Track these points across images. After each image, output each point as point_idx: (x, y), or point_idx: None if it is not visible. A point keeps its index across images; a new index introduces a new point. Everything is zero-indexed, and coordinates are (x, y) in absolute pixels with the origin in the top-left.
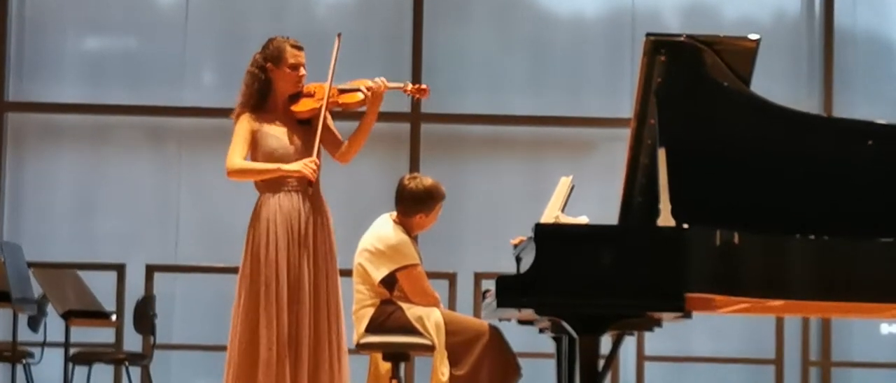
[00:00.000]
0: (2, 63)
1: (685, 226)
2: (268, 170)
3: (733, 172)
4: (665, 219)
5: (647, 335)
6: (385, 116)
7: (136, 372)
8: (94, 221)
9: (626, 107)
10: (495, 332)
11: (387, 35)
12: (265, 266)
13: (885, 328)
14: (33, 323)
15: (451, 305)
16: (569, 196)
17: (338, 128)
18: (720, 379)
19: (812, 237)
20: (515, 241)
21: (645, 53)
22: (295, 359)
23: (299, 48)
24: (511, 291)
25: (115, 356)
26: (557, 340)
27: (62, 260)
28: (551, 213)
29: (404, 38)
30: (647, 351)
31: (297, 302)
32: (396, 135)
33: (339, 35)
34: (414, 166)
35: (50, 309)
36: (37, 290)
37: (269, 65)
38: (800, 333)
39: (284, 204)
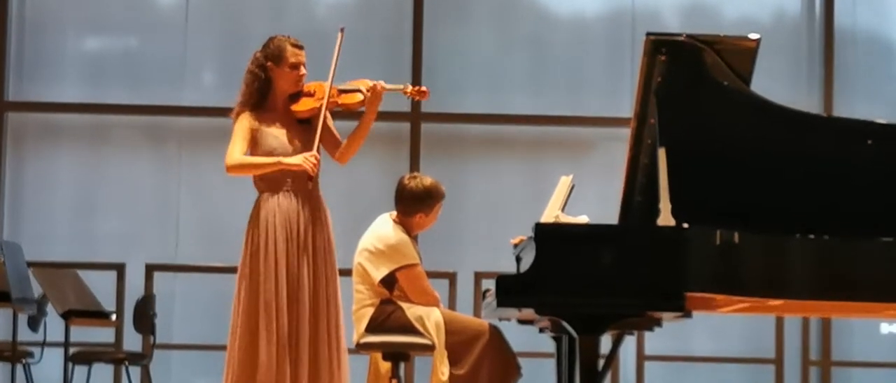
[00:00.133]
0: (2, 63)
1: (685, 225)
2: (267, 164)
3: (733, 172)
4: (665, 218)
5: (647, 334)
6: (385, 116)
7: (135, 371)
8: (94, 221)
9: (626, 107)
10: (495, 332)
11: (387, 35)
12: (264, 266)
13: (885, 327)
14: (33, 323)
15: (451, 305)
16: (569, 195)
17: (337, 127)
18: (720, 379)
19: (812, 237)
20: (515, 241)
21: (645, 53)
22: (295, 360)
23: (300, 47)
24: (511, 291)
25: (114, 356)
26: (557, 340)
27: (62, 259)
28: (551, 213)
29: (404, 38)
30: (648, 351)
31: (296, 302)
32: (396, 135)
33: (341, 30)
34: (414, 166)
35: (50, 308)
36: (37, 290)
37: (269, 64)
38: (800, 333)
39: (283, 204)
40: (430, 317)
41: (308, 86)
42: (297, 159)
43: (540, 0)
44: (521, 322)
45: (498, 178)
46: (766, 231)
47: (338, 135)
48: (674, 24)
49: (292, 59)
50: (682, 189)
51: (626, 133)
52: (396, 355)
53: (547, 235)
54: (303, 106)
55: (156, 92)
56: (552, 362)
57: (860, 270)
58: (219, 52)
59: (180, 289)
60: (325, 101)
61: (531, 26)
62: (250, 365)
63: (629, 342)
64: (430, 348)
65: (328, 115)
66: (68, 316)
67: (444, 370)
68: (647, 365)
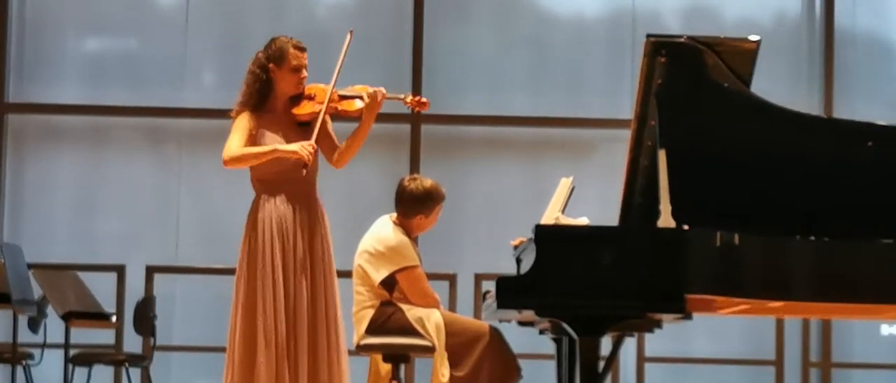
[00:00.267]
0: (2, 64)
1: (685, 227)
2: (264, 153)
3: (734, 173)
4: (665, 220)
5: (648, 336)
6: (385, 117)
7: (136, 373)
8: (94, 222)
9: (626, 109)
10: (495, 333)
11: (387, 35)
12: (261, 268)
13: (886, 329)
14: (33, 325)
15: (452, 306)
16: (569, 197)
17: (335, 128)
18: (720, 381)
19: (812, 238)
20: (516, 242)
21: (645, 54)
22: (294, 362)
23: (302, 49)
24: (511, 292)
25: (115, 357)
26: (558, 341)
27: (62, 261)
28: (551, 214)
29: (405, 39)
30: (648, 353)
31: (293, 304)
32: (396, 137)
33: (350, 31)
34: (414, 167)
35: (50, 310)
36: (37, 292)
37: (271, 65)
38: (800, 334)
39: (280, 206)
40: (431, 319)
41: (309, 88)
42: (294, 147)
43: (540, 1)
44: (522, 323)
45: (498, 180)
46: (767, 232)
47: (336, 140)
48: (674, 25)
49: (294, 62)
50: (683, 190)
51: (627, 134)
52: (396, 357)
53: (547, 237)
54: (303, 109)
55: (156, 93)
56: (552, 364)
57: (860, 271)
58: (219, 53)
59: (180, 291)
60: (324, 106)
61: (531, 27)
62: (250, 367)
63: (629, 343)
64: (430, 350)
65: (327, 119)
66: (68, 317)
67: (445, 371)
68: (648, 366)
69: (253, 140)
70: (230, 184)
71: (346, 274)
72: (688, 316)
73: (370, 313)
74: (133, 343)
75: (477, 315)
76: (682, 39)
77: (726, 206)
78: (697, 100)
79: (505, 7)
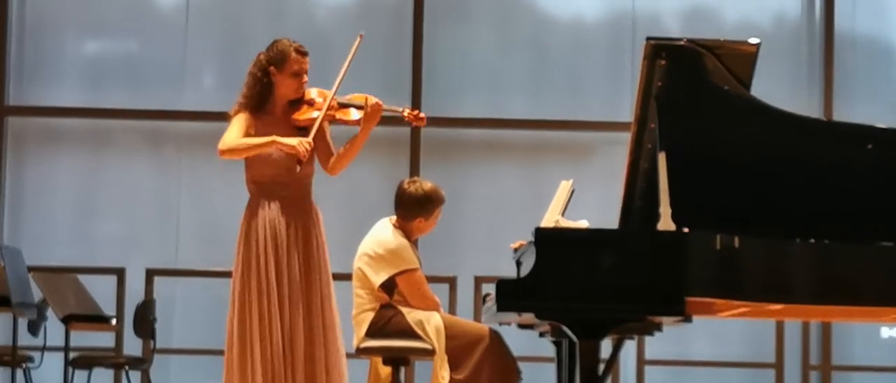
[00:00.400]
0: (2, 67)
1: (686, 230)
2: (261, 144)
3: (734, 176)
4: (665, 223)
5: (648, 339)
6: (385, 120)
7: (136, 376)
8: (94, 225)
9: (626, 111)
10: (495, 336)
11: (387, 38)
12: (256, 272)
13: (886, 332)
14: (33, 328)
15: (452, 309)
16: (569, 200)
17: (332, 133)
18: None
19: (812, 241)
20: (515, 245)
21: (645, 57)
22: (291, 365)
23: (304, 54)
24: (511, 295)
25: (115, 360)
26: (558, 344)
27: (62, 264)
28: (551, 217)
29: (404, 42)
30: (648, 355)
31: (289, 309)
32: (396, 139)
33: (361, 36)
34: (414, 170)
35: (50, 313)
36: (37, 294)
37: (271, 68)
38: (800, 337)
39: (273, 211)
40: (431, 322)
41: (310, 93)
42: (292, 141)
43: (540, 3)
44: (522, 326)
45: (498, 183)
46: (767, 235)
47: (332, 146)
48: (674, 28)
49: (295, 67)
50: (683, 193)
51: (627, 137)
52: (396, 360)
53: (547, 240)
54: (302, 114)
55: (156, 96)
56: (552, 367)
57: (860, 274)
58: (219, 55)
59: (180, 294)
60: (322, 112)
61: (531, 30)
62: (247, 371)
63: (629, 346)
64: (430, 353)
65: (325, 125)
66: (68, 320)
67: (445, 374)
68: (648, 369)
69: None
70: (230, 186)
71: (345, 276)
72: (688, 319)
73: (370, 316)
74: (133, 346)
75: (477, 318)
76: (682, 42)
77: (726, 209)
78: (697, 103)
79: (505, 10)
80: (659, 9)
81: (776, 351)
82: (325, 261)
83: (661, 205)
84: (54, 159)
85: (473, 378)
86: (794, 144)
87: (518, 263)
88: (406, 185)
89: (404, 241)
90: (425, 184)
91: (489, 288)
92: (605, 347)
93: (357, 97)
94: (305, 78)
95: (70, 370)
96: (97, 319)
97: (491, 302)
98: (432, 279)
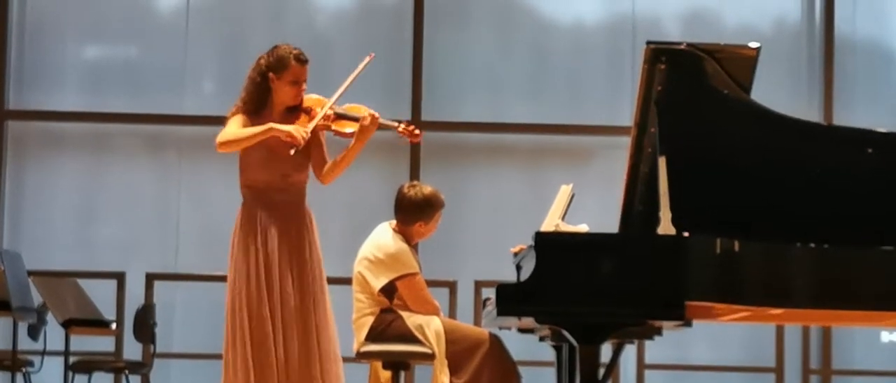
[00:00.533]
0: (2, 71)
1: (686, 234)
2: (258, 133)
3: (734, 180)
4: (665, 227)
5: (648, 343)
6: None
7: (136, 380)
8: (94, 229)
9: (626, 116)
10: (495, 341)
11: (387, 42)
12: (247, 279)
13: (886, 336)
14: (33, 332)
15: (452, 313)
16: (569, 204)
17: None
18: None
19: (812, 245)
20: (515, 250)
21: (645, 61)
22: (284, 369)
23: (304, 62)
24: (511, 300)
25: (115, 364)
26: (558, 349)
27: (62, 268)
28: (551, 222)
29: (405, 46)
30: (648, 359)
31: (283, 312)
32: (396, 144)
33: (371, 55)
34: (414, 174)
35: (50, 317)
36: (37, 299)
37: (270, 74)
38: (800, 341)
39: (265, 218)
40: (431, 326)
41: (308, 101)
42: (289, 128)
43: (540, 8)
44: (522, 330)
45: (498, 187)
46: (767, 239)
47: (326, 155)
48: (674, 32)
49: (294, 76)
50: (683, 197)
51: (627, 141)
52: (396, 364)
53: (547, 244)
54: (300, 123)
55: (156, 100)
56: (552, 371)
57: (861, 279)
58: (219, 60)
59: (180, 298)
60: (316, 121)
61: (531, 34)
62: (246, 373)
63: (629, 350)
64: (430, 357)
65: (321, 133)
66: (68, 324)
67: (445, 379)
68: (648, 373)
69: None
70: (230, 190)
71: (345, 280)
72: (688, 323)
73: (370, 320)
74: (133, 350)
75: (477, 322)
76: (682, 46)
77: (726, 213)
78: (697, 107)
79: (505, 14)
80: (659, 13)
81: (776, 355)
82: (320, 266)
83: (661, 209)
84: (54, 163)
85: (473, 382)
86: (794, 148)
87: (518, 267)
88: (406, 190)
89: (404, 246)
90: (425, 188)
91: (489, 293)
92: (606, 351)
93: (354, 108)
94: (304, 86)
95: (70, 374)
96: (97, 323)
97: (491, 307)
98: (432, 283)
